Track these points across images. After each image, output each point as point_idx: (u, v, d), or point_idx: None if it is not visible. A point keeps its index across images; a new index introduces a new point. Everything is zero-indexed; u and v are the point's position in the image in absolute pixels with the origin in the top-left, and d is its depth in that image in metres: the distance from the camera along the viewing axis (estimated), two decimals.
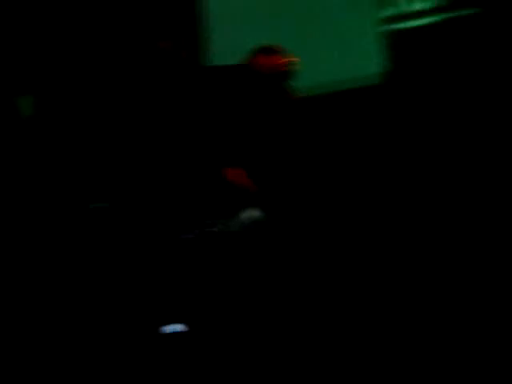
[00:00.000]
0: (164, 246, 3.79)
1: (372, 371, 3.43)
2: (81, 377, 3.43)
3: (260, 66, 3.69)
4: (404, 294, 3.95)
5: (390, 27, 5.05)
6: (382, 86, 4.82)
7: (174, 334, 3.64)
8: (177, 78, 5.11)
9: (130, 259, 4.06)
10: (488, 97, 4.65)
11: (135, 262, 4.03)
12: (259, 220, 3.71)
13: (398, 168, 4.64)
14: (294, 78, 3.73)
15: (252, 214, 3.73)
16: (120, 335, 3.72)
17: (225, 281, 3.69)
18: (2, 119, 5.01)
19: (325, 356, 3.52)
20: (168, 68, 5.25)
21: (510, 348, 3.42)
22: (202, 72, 5.39)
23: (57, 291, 4.02)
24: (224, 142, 3.73)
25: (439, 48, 4.95)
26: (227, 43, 5.37)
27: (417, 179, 4.52)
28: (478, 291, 3.84)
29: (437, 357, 3.47)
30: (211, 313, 3.71)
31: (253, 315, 3.67)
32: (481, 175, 4.42)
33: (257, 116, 3.72)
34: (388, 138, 4.74)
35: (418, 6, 5.17)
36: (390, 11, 5.19)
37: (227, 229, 3.66)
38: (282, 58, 3.70)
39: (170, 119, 4.97)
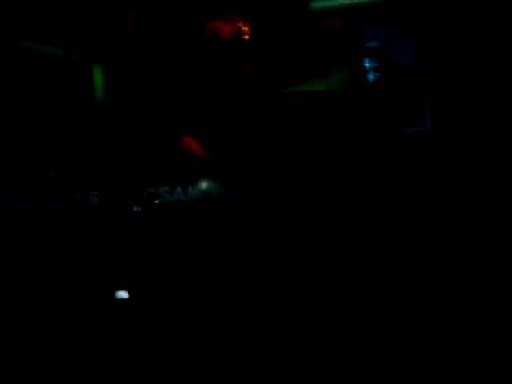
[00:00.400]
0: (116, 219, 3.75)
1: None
2: None
3: (218, 32, 3.63)
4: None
5: None
6: None
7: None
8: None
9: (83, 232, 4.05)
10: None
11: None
12: (210, 191, 3.64)
13: None
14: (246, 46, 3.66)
15: (203, 184, 3.67)
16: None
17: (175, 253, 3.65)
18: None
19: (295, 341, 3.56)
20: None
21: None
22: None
23: None
24: (180, 109, 3.72)
25: None
26: None
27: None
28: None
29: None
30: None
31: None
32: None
33: (212, 83, 3.69)
34: None
35: None
36: None
37: (175, 198, 3.60)
38: (239, 24, 3.61)
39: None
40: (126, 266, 3.74)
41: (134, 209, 3.72)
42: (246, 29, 3.71)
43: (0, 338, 3.67)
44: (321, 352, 3.57)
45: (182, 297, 3.62)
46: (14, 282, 3.84)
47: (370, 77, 4.29)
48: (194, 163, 3.67)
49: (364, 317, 3.75)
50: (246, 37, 3.67)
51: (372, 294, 3.79)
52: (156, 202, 3.62)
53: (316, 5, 4.24)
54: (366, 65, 4.33)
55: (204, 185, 3.69)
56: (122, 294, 3.77)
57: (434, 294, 3.82)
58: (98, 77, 5.03)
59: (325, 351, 3.58)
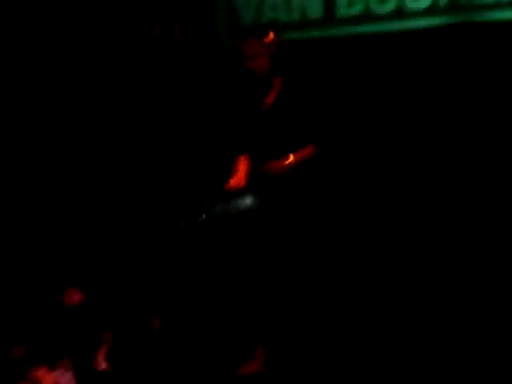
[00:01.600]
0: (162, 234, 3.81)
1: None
2: None
3: (250, 48, 3.59)
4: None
5: None
6: None
7: None
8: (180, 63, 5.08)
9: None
10: None
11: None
12: (254, 207, 3.64)
13: None
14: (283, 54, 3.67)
15: (247, 200, 3.67)
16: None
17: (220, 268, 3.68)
18: None
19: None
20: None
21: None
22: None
23: None
24: (229, 129, 3.77)
25: None
26: None
27: None
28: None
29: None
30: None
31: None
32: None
33: (251, 101, 3.70)
34: None
35: None
36: None
37: (222, 214, 3.61)
38: (270, 37, 3.62)
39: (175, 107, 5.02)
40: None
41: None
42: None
43: None
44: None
45: None
46: None
47: None
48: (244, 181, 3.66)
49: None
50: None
51: None
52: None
53: None
54: None
55: (249, 201, 3.69)
56: None
57: None
58: None
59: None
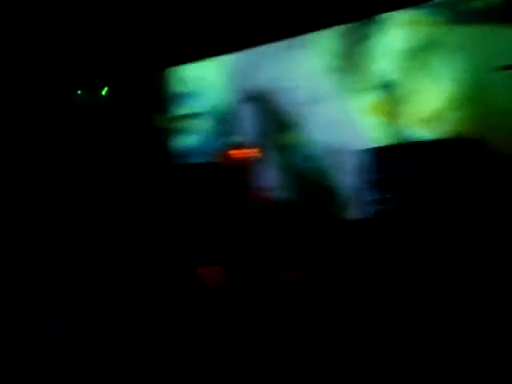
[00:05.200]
0: None
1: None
2: None
3: (227, 163, 3.84)
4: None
5: None
6: None
7: None
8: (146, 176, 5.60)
9: None
10: None
11: None
12: None
13: None
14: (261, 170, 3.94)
15: None
16: None
17: None
18: None
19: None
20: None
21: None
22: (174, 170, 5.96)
23: None
24: (198, 239, 3.84)
25: None
26: None
27: None
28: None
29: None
30: None
31: None
32: None
33: (227, 213, 3.83)
34: None
35: None
36: None
37: None
38: (246, 152, 3.87)
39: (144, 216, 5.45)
40: None
41: None
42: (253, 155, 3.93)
43: None
44: None
45: None
46: None
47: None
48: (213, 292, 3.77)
49: None
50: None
51: None
52: None
53: None
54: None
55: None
56: None
57: None
58: None
59: None
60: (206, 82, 6.82)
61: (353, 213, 5.30)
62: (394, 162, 4.79)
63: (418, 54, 5.41)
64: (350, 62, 5.76)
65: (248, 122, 6.37)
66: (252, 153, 3.91)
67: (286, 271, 3.80)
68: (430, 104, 5.29)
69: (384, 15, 5.54)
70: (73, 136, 6.45)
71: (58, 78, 6.20)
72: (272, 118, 6.28)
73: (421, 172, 4.60)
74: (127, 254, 5.28)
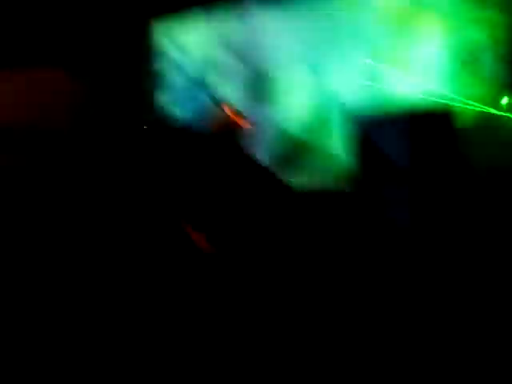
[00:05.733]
0: None
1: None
2: None
3: (215, 125, 3.95)
4: None
5: None
6: None
7: None
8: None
9: None
10: None
11: None
12: None
13: None
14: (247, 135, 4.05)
15: None
16: None
17: None
18: None
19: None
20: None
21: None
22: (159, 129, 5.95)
23: None
24: (185, 200, 3.95)
25: None
26: None
27: None
28: None
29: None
30: None
31: None
32: None
33: (213, 176, 3.92)
34: None
35: None
36: None
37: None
38: (237, 116, 3.98)
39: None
40: None
41: None
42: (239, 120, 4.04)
43: None
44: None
45: None
46: None
47: None
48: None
49: None
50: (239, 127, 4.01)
51: None
52: None
53: None
54: None
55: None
56: None
57: None
58: None
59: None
60: (191, 37, 6.72)
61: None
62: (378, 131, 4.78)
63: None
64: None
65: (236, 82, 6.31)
66: (238, 115, 3.82)
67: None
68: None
69: None
70: None
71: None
72: (259, 80, 6.25)
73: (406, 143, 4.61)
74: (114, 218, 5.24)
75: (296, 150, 5.95)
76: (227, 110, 3.91)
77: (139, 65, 6.84)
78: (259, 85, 6.23)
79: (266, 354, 3.64)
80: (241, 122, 3.87)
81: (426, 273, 4.31)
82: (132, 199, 5.05)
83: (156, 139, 5.47)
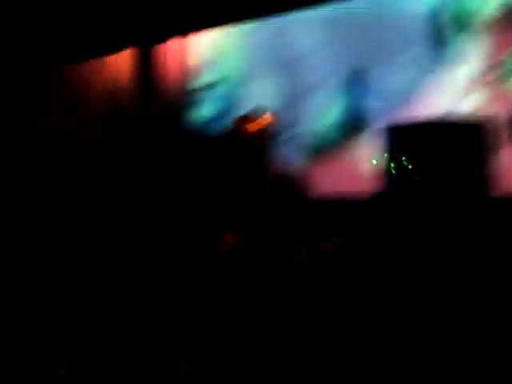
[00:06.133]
0: None
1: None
2: None
3: (243, 133, 3.85)
4: None
5: None
6: None
7: None
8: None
9: None
10: None
11: None
12: None
13: None
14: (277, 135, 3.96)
15: None
16: None
17: None
18: None
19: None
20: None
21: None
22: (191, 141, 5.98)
23: None
24: (216, 208, 3.94)
25: None
26: None
27: None
28: None
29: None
30: None
31: None
32: None
33: (242, 182, 3.88)
34: None
35: None
36: None
37: None
38: (261, 121, 3.88)
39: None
40: None
41: None
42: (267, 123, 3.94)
43: None
44: None
45: None
46: None
47: None
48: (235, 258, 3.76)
49: None
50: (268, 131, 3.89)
51: None
52: None
53: None
54: None
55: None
56: None
57: None
58: None
59: None
60: (221, 52, 6.70)
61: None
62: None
63: None
64: None
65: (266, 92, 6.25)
66: (269, 123, 3.74)
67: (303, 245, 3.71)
68: None
69: None
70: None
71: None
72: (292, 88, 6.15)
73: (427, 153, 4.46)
74: (142, 226, 5.25)
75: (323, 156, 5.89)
76: (257, 120, 3.78)
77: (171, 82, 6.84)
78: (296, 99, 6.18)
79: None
80: (269, 124, 3.75)
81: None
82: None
83: (189, 153, 5.47)
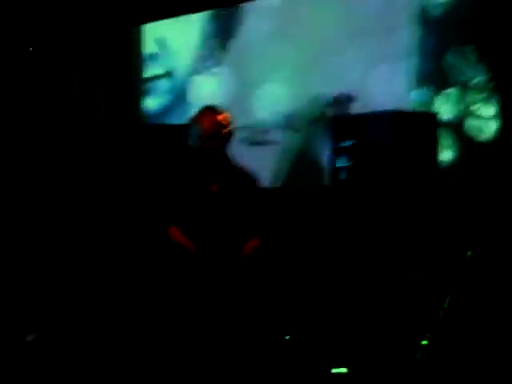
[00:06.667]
0: None
1: None
2: None
3: (204, 124, 3.69)
4: None
5: None
6: None
7: None
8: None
9: None
10: None
11: None
12: None
13: None
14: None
15: None
16: None
17: None
18: None
19: None
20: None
21: None
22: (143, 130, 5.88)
23: None
24: (166, 200, 3.80)
25: None
26: None
27: None
28: None
29: None
30: None
31: None
32: None
33: (196, 175, 3.78)
34: None
35: None
36: None
37: None
38: (225, 116, 3.72)
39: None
40: None
41: None
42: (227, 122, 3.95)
43: None
44: None
45: None
46: None
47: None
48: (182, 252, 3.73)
49: None
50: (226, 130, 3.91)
51: None
52: None
53: None
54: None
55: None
56: None
57: None
58: None
59: None
60: (178, 42, 6.73)
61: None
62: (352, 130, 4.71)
63: None
64: None
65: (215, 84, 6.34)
66: (226, 118, 3.76)
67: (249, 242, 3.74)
68: None
69: None
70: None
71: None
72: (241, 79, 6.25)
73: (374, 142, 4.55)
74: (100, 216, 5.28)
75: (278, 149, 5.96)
76: (214, 113, 3.79)
77: (127, 70, 6.83)
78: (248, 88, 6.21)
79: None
80: (227, 124, 3.76)
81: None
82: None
83: (144, 142, 5.47)
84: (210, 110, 3.76)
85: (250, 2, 6.18)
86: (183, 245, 3.66)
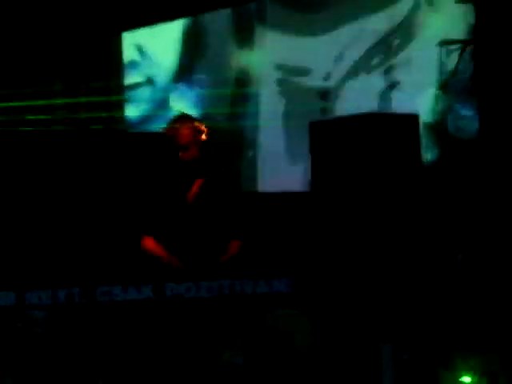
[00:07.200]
0: None
1: None
2: None
3: (177, 134, 3.72)
4: None
5: None
6: None
7: None
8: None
9: None
10: None
11: None
12: None
13: None
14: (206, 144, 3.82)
15: None
16: None
17: None
18: None
19: None
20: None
21: None
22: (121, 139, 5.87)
23: None
24: (141, 210, 3.81)
25: None
26: None
27: None
28: None
29: None
30: None
31: None
32: None
33: (172, 185, 3.78)
34: None
35: None
36: None
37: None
38: (197, 125, 3.74)
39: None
40: None
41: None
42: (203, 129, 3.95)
43: None
44: None
45: None
46: None
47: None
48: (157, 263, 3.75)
49: None
50: (203, 137, 3.91)
51: None
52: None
53: None
54: None
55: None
56: None
57: None
58: None
59: None
60: (157, 50, 6.71)
61: None
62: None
63: None
64: None
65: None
66: (200, 126, 3.77)
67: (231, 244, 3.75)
68: None
69: None
70: None
71: None
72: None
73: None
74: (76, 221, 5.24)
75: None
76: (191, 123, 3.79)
77: (107, 78, 6.82)
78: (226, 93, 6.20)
79: None
80: (203, 131, 3.76)
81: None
82: None
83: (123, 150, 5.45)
84: (184, 118, 3.81)
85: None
86: (156, 255, 3.68)
